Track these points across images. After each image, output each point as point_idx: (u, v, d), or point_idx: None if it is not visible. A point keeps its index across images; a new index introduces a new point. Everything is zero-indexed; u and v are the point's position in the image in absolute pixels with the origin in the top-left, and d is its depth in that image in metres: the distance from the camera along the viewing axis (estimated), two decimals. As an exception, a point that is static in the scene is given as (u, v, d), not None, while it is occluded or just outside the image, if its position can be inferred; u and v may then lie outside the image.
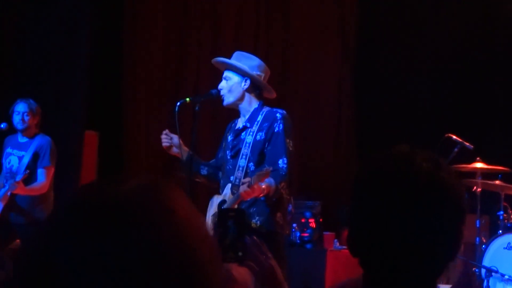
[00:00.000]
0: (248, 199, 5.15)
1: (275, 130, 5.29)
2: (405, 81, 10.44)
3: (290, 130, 5.39)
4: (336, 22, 11.16)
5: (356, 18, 11.21)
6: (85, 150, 8.67)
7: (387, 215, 1.77)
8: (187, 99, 5.44)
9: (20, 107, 7.25)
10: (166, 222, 1.12)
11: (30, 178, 7.19)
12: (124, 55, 9.57)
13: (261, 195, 5.10)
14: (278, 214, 5.28)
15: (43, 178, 7.23)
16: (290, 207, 5.47)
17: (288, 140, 5.31)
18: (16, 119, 7.25)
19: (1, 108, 7.70)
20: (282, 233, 5.34)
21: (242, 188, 5.02)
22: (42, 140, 7.30)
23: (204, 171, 5.63)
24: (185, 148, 5.50)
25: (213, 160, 5.68)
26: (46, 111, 7.64)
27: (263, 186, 5.02)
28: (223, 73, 5.54)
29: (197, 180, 5.70)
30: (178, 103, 5.34)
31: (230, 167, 5.44)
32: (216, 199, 5.47)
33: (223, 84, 5.47)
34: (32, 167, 7.22)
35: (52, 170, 7.31)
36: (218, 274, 1.16)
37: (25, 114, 7.24)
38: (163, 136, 5.51)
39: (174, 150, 5.49)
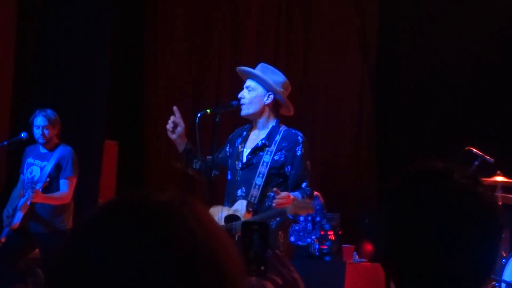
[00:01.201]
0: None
1: (298, 154, 5.33)
2: (426, 88, 10.40)
3: (309, 153, 5.46)
4: (357, 27, 11.15)
5: (377, 23, 11.18)
6: (104, 160, 8.69)
7: (425, 232, 1.75)
8: (208, 110, 5.44)
9: (39, 121, 7.25)
10: (199, 233, 1.15)
11: (51, 187, 7.21)
12: (145, 64, 9.61)
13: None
14: (280, 233, 5.32)
15: (65, 188, 7.26)
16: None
17: (309, 162, 5.37)
18: (37, 133, 7.27)
19: (22, 117, 7.74)
20: (282, 251, 5.37)
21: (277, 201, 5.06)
22: (64, 151, 7.33)
23: (196, 165, 5.61)
24: (185, 139, 5.52)
25: (210, 156, 5.60)
26: (66, 119, 7.67)
27: (292, 197, 5.09)
28: (244, 82, 5.53)
29: (189, 172, 5.71)
30: (199, 114, 5.35)
31: (239, 179, 5.43)
32: (222, 211, 5.42)
33: (244, 94, 5.44)
34: (53, 177, 7.24)
35: (75, 180, 7.33)
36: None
37: (45, 128, 7.26)
38: (170, 121, 5.52)
39: (173, 137, 5.50)
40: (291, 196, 5.10)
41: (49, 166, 7.24)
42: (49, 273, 1.16)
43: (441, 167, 1.82)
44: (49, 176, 7.20)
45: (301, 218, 8.03)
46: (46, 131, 7.25)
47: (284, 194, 5.07)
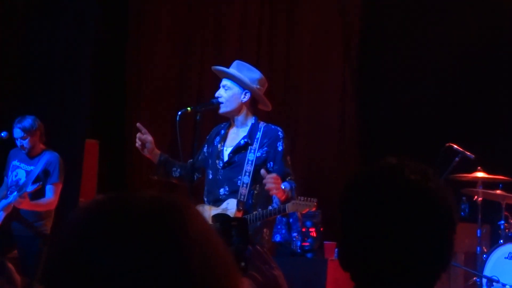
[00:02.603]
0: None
1: (279, 149, 5.36)
2: (408, 88, 10.43)
3: (289, 147, 5.53)
4: (340, 26, 11.16)
5: (360, 22, 11.20)
6: (85, 159, 8.66)
7: (376, 228, 1.77)
8: (188, 108, 5.44)
9: (16, 134, 7.22)
10: (188, 228, 1.18)
11: (37, 193, 7.20)
12: (128, 63, 9.57)
13: (282, 196, 5.13)
14: (265, 230, 5.36)
15: (51, 195, 7.25)
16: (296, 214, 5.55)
17: (289, 157, 5.42)
18: (18, 144, 7.25)
19: (4, 116, 7.70)
20: (266, 248, 5.39)
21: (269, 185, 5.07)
22: (51, 156, 7.30)
23: (176, 173, 5.63)
24: (157, 151, 5.55)
25: (190, 160, 5.56)
26: (48, 118, 7.63)
27: (283, 188, 5.12)
28: (221, 81, 5.54)
29: (171, 181, 5.72)
30: (180, 113, 5.34)
31: (220, 177, 5.44)
32: (207, 210, 5.41)
33: (221, 93, 5.47)
34: (41, 181, 7.23)
35: (60, 186, 7.33)
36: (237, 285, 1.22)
37: (22, 139, 7.22)
38: (136, 139, 5.53)
39: (145, 152, 5.52)
40: (282, 187, 5.12)
41: (36, 170, 7.21)
42: (47, 275, 1.16)
43: (393, 163, 1.83)
44: (36, 181, 7.17)
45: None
46: (25, 142, 7.22)
47: (273, 175, 5.08)
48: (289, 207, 5.10)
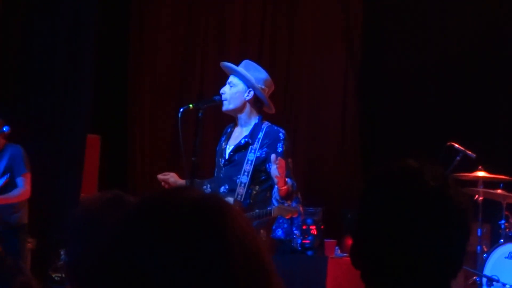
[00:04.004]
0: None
1: (279, 151, 5.32)
2: (410, 86, 10.43)
3: (290, 150, 5.50)
4: (342, 25, 11.15)
5: (362, 22, 11.19)
6: (87, 154, 8.66)
7: (393, 231, 1.77)
8: (191, 105, 5.44)
9: None
10: (231, 228, 1.20)
11: (6, 187, 7.28)
12: (130, 58, 9.57)
13: (283, 186, 5.11)
14: (262, 231, 5.34)
15: (22, 185, 7.33)
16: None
17: (290, 160, 5.37)
18: None
19: (7, 110, 7.71)
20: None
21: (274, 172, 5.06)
22: (13, 149, 7.40)
23: (208, 189, 5.65)
24: (182, 181, 5.58)
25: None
26: (50, 113, 7.63)
27: (286, 179, 5.10)
28: (228, 77, 5.54)
29: None
30: (182, 109, 5.35)
31: (222, 175, 5.46)
32: None
33: (226, 89, 5.46)
34: (8, 174, 7.31)
35: (29, 175, 7.42)
36: (278, 281, 1.25)
37: None
38: (160, 179, 5.64)
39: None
40: (287, 181, 5.12)
41: (1, 165, 7.29)
42: (89, 278, 1.18)
43: (414, 166, 1.83)
44: (4, 173, 7.26)
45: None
46: None
47: (284, 161, 5.07)
48: (274, 211, 5.09)
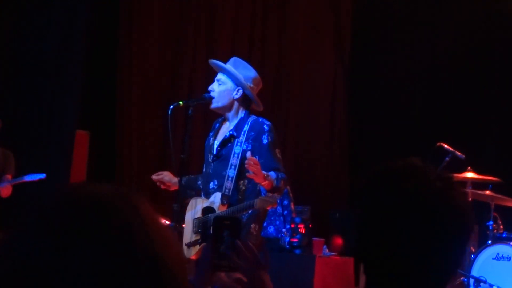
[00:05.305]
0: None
1: (264, 142, 5.30)
2: (399, 87, 10.45)
3: (277, 141, 5.46)
4: (331, 26, 11.16)
5: (351, 22, 11.21)
6: (75, 150, 8.65)
7: (397, 229, 1.77)
8: (180, 102, 5.44)
9: None
10: (136, 225, 1.15)
11: None
12: (119, 55, 9.55)
13: (263, 182, 5.10)
14: (253, 225, 5.32)
15: None
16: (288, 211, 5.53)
17: (278, 150, 5.36)
18: None
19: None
20: (255, 244, 5.36)
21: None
22: None
23: (201, 186, 5.65)
24: (175, 179, 5.58)
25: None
26: (38, 109, 7.61)
27: (265, 174, 5.08)
28: (216, 75, 5.53)
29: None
30: (171, 107, 5.34)
31: (211, 171, 5.45)
32: (200, 203, 5.44)
33: (214, 87, 5.45)
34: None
35: None
36: (185, 283, 1.19)
37: None
38: (154, 180, 5.67)
39: (170, 187, 5.61)
40: (265, 174, 5.09)
41: None
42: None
43: (419, 166, 1.83)
44: None
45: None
46: None
47: (252, 157, 5.06)
48: (257, 203, 5.07)
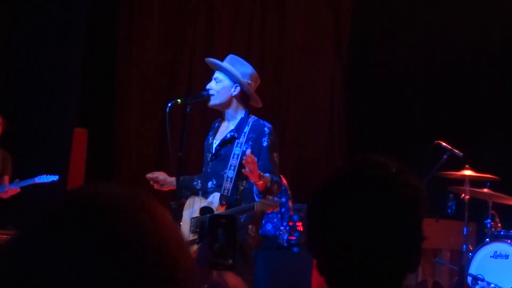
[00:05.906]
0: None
1: (264, 145, 5.32)
2: (397, 85, 10.44)
3: (277, 144, 5.47)
4: (331, 26, 11.15)
5: (350, 21, 11.19)
6: (74, 147, 8.64)
7: (368, 209, 1.81)
8: (178, 100, 5.45)
9: None
10: (148, 225, 1.15)
11: None
12: (118, 52, 9.55)
13: (258, 181, 5.10)
14: (250, 226, 5.34)
15: None
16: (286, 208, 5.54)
17: (275, 154, 5.38)
18: None
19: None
20: (252, 244, 5.38)
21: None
22: None
23: (198, 185, 5.64)
24: (171, 178, 5.59)
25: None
26: (37, 106, 7.61)
27: (261, 174, 5.09)
28: (213, 73, 5.53)
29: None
30: (169, 104, 5.35)
31: (209, 170, 5.45)
32: (198, 202, 5.44)
33: (212, 85, 5.47)
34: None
35: None
36: (193, 282, 1.19)
37: None
38: (149, 178, 5.66)
39: (164, 188, 5.61)
40: (261, 173, 5.10)
41: None
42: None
43: (376, 159, 1.90)
44: None
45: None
46: None
47: (251, 155, 5.06)
48: (257, 206, 5.09)
